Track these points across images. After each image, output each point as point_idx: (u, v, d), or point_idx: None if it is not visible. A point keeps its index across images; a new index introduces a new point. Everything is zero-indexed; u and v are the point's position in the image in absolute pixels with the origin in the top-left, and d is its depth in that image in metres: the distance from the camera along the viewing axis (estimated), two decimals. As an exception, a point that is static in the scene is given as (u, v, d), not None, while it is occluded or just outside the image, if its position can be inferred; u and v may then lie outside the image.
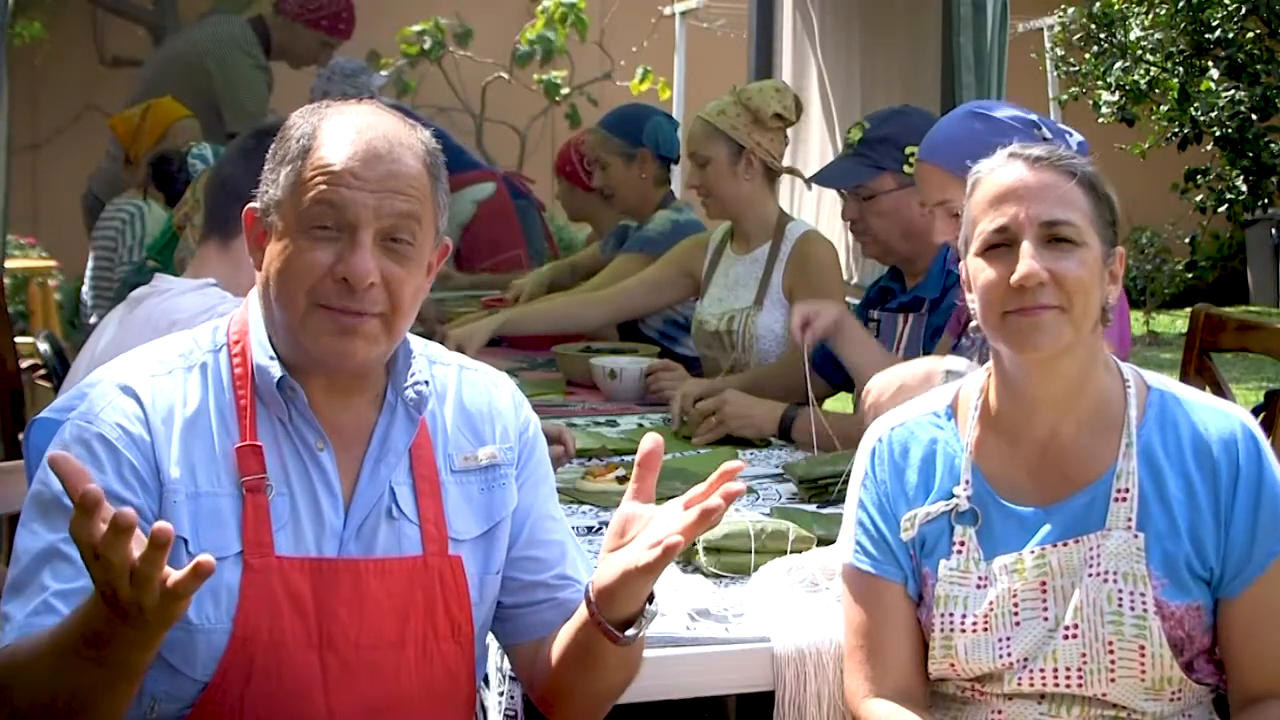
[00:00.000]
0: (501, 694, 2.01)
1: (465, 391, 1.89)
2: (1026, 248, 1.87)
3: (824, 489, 2.69)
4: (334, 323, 1.71)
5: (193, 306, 2.48)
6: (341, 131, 1.74)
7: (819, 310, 3.02)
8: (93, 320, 4.22)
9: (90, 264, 4.59)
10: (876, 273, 3.89)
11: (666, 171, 4.47)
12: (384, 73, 6.04)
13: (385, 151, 1.73)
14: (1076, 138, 2.56)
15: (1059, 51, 10.01)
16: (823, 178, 3.47)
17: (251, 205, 1.79)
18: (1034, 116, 2.60)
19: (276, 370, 1.75)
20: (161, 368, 1.77)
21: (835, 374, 3.26)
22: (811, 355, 3.01)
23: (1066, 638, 1.87)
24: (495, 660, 2.01)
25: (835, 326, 3.02)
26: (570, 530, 1.96)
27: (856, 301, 7.29)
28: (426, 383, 1.82)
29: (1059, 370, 1.91)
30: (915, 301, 3.17)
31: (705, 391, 3.27)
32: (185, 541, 1.68)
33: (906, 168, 3.15)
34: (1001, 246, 1.90)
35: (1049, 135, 2.51)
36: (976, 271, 1.92)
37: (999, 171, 1.92)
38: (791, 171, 4.01)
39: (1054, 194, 1.89)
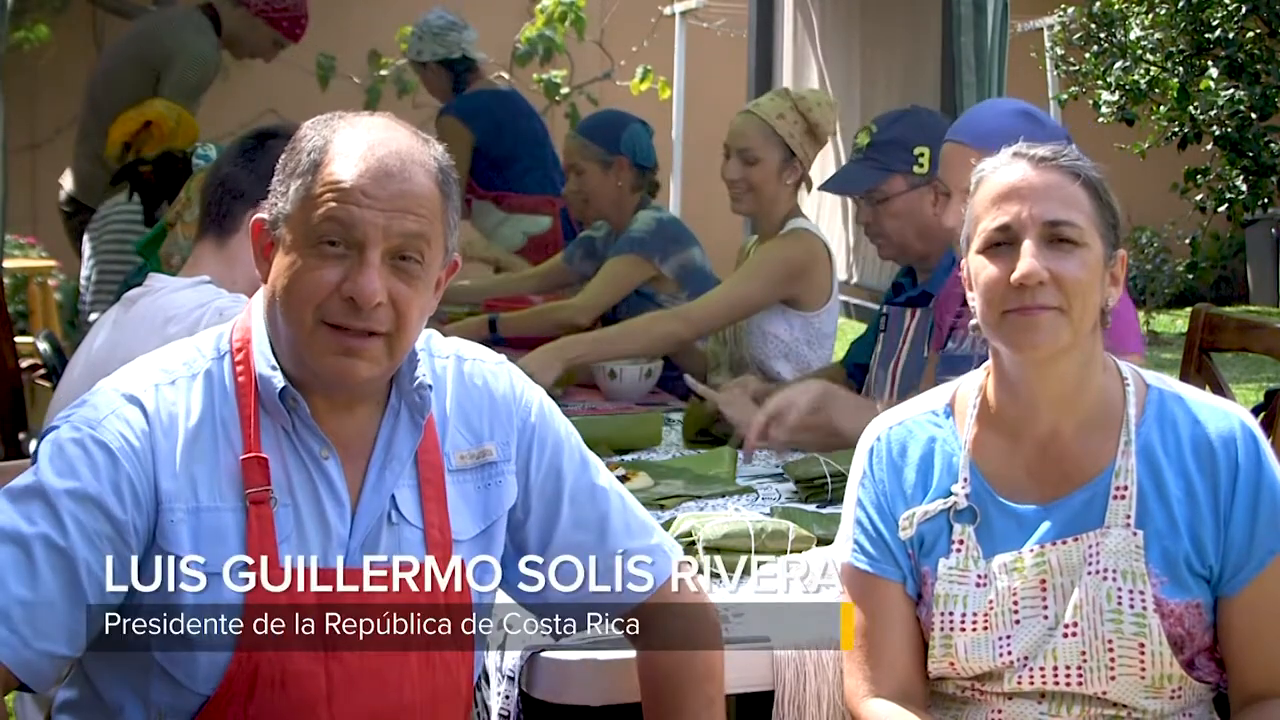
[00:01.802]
0: (499, 694, 2.01)
1: (463, 385, 1.88)
2: (1028, 246, 1.87)
3: (821, 489, 2.69)
4: (338, 343, 1.70)
5: (188, 302, 2.48)
6: (353, 147, 1.72)
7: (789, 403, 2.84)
8: (92, 318, 4.21)
9: (91, 264, 4.57)
10: (879, 270, 3.89)
11: (642, 179, 4.45)
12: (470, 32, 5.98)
13: (397, 170, 1.71)
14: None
15: (1059, 51, 10.01)
16: (833, 184, 3.47)
17: (259, 215, 1.77)
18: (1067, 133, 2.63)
19: (279, 381, 1.74)
20: (165, 376, 1.75)
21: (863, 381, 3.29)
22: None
23: (1066, 636, 1.87)
24: (495, 660, 2.01)
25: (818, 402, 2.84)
26: (612, 488, 1.92)
27: (857, 301, 7.29)
28: (430, 386, 1.81)
29: (1058, 370, 1.91)
30: (923, 296, 3.17)
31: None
32: (178, 559, 1.67)
33: (916, 168, 3.15)
34: (1003, 245, 1.90)
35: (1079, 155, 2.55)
36: (977, 269, 1.92)
37: (1003, 170, 1.93)
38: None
39: (1057, 194, 1.89)
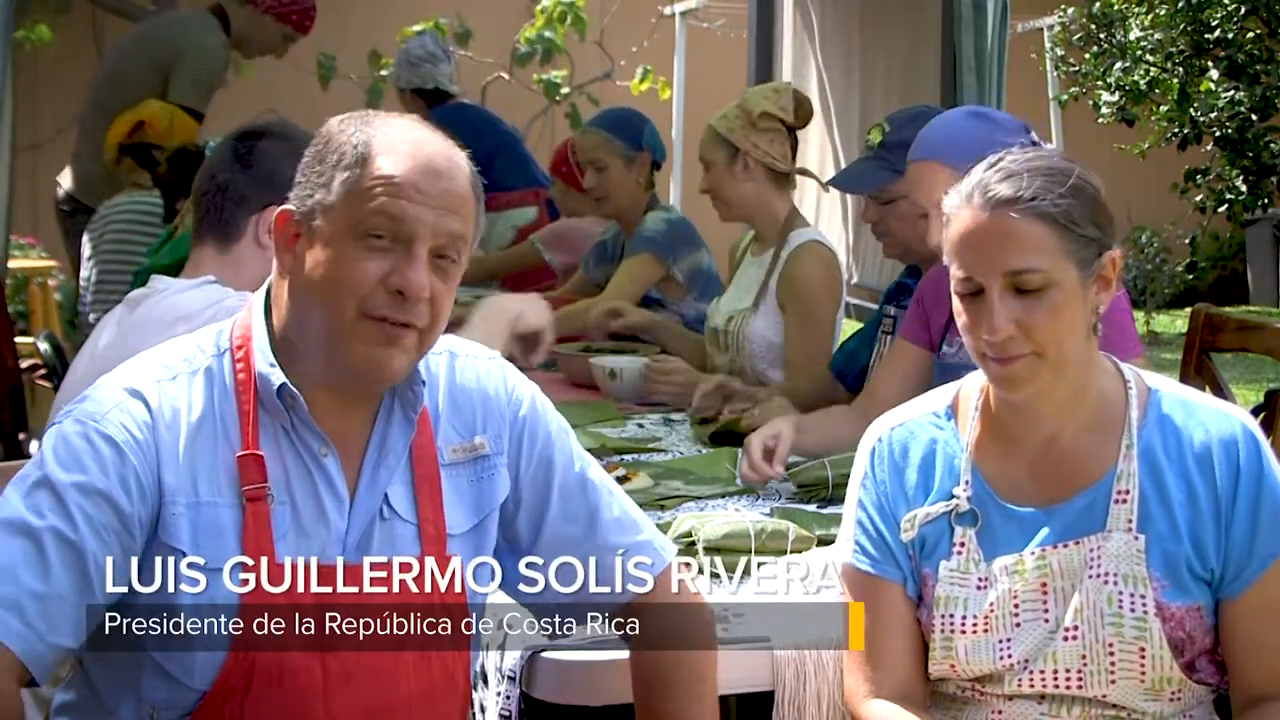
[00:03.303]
0: (499, 694, 2.01)
1: (456, 380, 1.88)
2: (993, 299, 1.85)
3: (821, 488, 2.69)
4: (380, 333, 1.71)
5: (197, 301, 2.48)
6: (399, 144, 1.74)
7: (775, 434, 2.84)
8: (93, 319, 4.21)
9: (92, 264, 4.57)
10: (879, 269, 3.90)
11: (652, 176, 4.46)
12: (449, 55, 6.04)
13: (444, 169, 1.74)
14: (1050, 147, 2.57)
15: (1059, 51, 10.02)
16: (842, 181, 3.46)
17: (285, 207, 1.77)
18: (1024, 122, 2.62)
19: (277, 378, 1.74)
20: (167, 372, 1.76)
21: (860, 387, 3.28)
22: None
23: (1067, 639, 1.88)
24: (494, 660, 2.01)
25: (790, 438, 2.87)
26: (604, 483, 1.93)
27: (857, 301, 7.33)
28: (423, 382, 1.82)
29: (1052, 391, 1.91)
30: None
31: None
32: (182, 553, 1.68)
33: None
34: (972, 294, 1.89)
35: (1037, 140, 2.52)
36: (957, 312, 1.92)
37: (964, 211, 1.88)
38: (804, 172, 3.99)
39: (1016, 243, 1.85)
